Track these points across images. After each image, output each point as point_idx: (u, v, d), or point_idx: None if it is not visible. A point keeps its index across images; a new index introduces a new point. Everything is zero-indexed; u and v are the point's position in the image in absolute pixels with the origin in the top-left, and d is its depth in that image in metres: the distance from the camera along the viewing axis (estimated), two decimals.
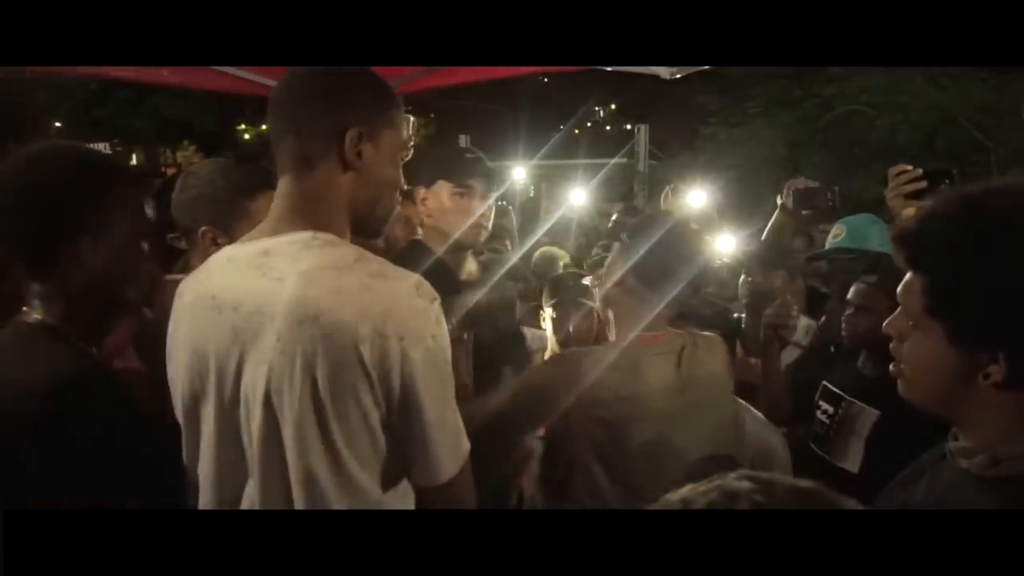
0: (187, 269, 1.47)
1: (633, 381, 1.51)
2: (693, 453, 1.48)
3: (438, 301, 1.07)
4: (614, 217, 3.77)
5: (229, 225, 1.50)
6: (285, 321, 1.00)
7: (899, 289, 0.96)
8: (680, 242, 1.57)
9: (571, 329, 2.28)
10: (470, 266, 1.92)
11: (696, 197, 2.76)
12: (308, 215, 1.09)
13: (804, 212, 2.30)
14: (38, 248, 1.13)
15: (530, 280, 3.11)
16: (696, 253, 1.58)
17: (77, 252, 1.12)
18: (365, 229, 1.17)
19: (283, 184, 1.11)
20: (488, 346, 1.82)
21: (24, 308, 1.16)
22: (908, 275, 0.95)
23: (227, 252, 1.12)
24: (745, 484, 0.59)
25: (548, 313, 2.35)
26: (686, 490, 0.62)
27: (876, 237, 2.32)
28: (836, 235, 2.38)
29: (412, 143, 1.23)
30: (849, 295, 1.85)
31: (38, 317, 1.14)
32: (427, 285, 1.07)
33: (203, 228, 1.51)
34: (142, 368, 1.37)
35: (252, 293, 1.04)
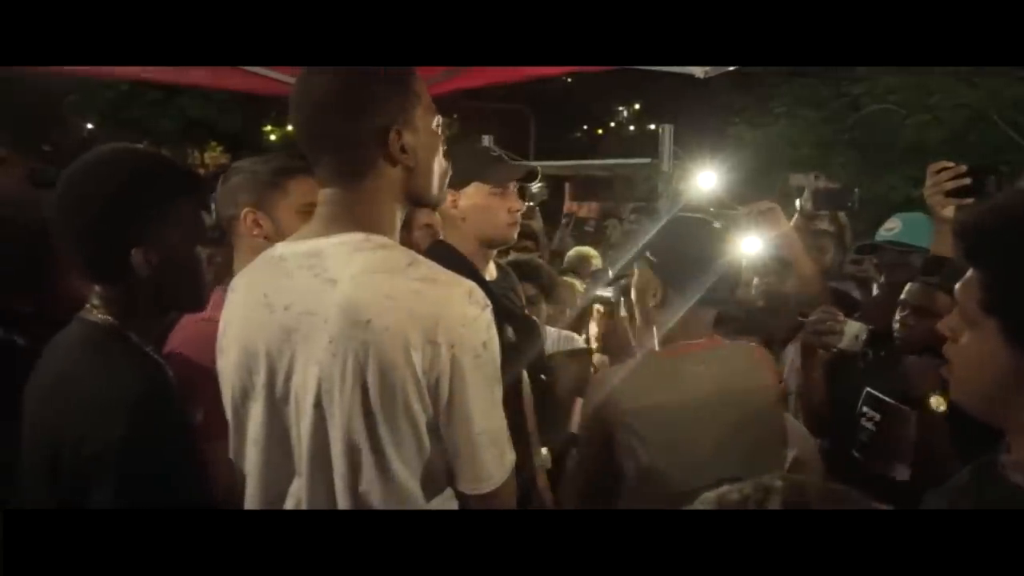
0: (225, 269, 1.48)
1: (666, 390, 1.46)
2: (730, 467, 1.42)
3: (489, 308, 1.06)
4: (632, 218, 3.75)
5: (269, 205, 1.50)
6: (337, 325, 1.01)
7: (957, 286, 0.93)
8: (703, 242, 1.52)
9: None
10: (489, 267, 1.92)
11: (706, 180, 2.70)
12: (359, 217, 1.08)
13: (823, 212, 2.26)
14: (97, 254, 1.15)
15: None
16: (720, 253, 1.52)
17: (141, 259, 1.14)
18: (428, 201, 1.17)
19: (329, 194, 1.10)
20: (509, 346, 1.84)
21: (86, 305, 1.18)
22: (968, 272, 0.93)
23: (279, 249, 1.12)
24: (779, 482, 0.60)
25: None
26: (724, 488, 0.63)
27: (929, 236, 2.27)
28: (890, 228, 2.31)
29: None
30: (904, 295, 1.78)
31: (101, 317, 1.15)
32: (479, 291, 1.06)
33: (244, 210, 1.51)
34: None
35: (303, 293, 1.04)
